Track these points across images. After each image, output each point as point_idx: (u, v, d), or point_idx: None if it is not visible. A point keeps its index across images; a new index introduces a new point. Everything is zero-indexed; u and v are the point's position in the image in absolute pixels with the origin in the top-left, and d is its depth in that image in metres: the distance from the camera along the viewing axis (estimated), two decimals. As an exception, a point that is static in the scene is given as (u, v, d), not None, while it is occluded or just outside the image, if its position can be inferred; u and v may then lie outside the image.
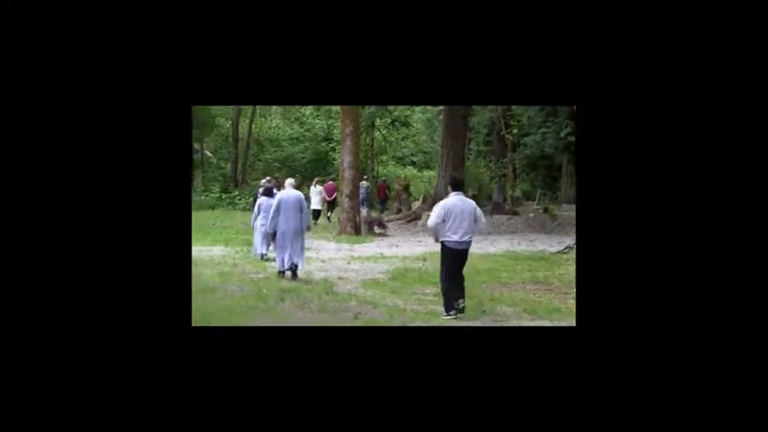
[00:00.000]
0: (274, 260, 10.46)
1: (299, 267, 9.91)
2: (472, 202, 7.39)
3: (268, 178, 16.65)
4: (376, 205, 23.91)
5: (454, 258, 7.23)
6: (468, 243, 7.26)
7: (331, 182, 22.26)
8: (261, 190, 13.36)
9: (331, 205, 21.31)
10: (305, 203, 10.21)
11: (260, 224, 11.49)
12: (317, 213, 19.89)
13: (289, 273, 9.84)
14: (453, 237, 7.12)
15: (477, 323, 7.13)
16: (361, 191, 20.48)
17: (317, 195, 20.19)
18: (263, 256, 11.74)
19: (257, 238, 11.87)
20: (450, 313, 7.19)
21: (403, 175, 29.56)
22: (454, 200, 7.25)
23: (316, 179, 21.81)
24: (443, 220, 7.10)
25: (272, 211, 9.94)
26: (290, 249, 9.72)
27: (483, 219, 7.41)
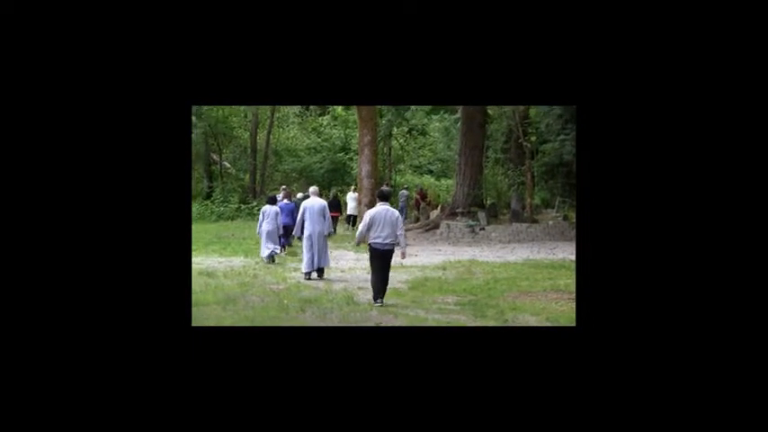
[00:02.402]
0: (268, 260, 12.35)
1: (325, 267, 10.98)
2: (395, 212, 8.59)
3: (284, 187, 17.08)
4: (410, 213, 24.17)
5: (377, 257, 8.45)
6: (391, 245, 8.45)
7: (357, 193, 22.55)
8: (280, 196, 15.06)
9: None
10: (328, 211, 11.09)
11: (264, 230, 12.58)
12: (352, 218, 20.47)
13: (315, 273, 10.74)
14: (377, 240, 8.36)
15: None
16: (401, 199, 22.46)
17: (352, 201, 20.73)
18: (272, 258, 12.57)
19: (263, 244, 12.80)
20: (378, 301, 8.45)
21: (422, 185, 29.57)
22: (379, 209, 8.49)
23: (353, 186, 22.67)
24: (370, 226, 8.32)
25: (299, 217, 10.97)
26: (317, 252, 10.67)
27: (402, 229, 8.54)
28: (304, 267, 10.77)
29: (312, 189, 11.62)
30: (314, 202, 10.91)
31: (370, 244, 8.47)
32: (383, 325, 7.42)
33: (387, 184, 24.15)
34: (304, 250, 10.85)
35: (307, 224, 10.72)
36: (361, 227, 8.63)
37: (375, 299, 8.55)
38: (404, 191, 24.03)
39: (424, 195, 25.25)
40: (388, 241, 8.41)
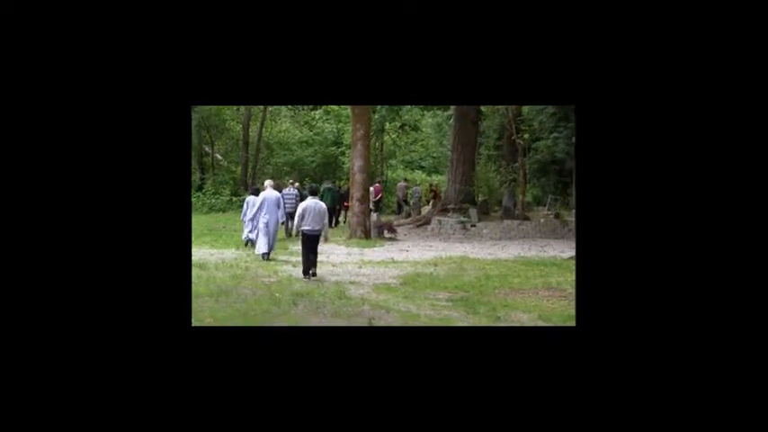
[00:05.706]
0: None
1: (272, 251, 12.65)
2: (323, 205, 10.60)
3: (291, 180, 17.38)
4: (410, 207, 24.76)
5: (307, 241, 10.33)
6: (318, 231, 10.36)
7: (377, 184, 22.76)
8: (285, 190, 16.07)
9: (376, 205, 21.60)
10: (281, 201, 12.95)
11: (248, 218, 13.89)
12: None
13: (265, 255, 12.23)
14: (307, 227, 10.27)
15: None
16: (415, 196, 24.17)
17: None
18: (248, 241, 13.80)
19: (245, 228, 14.20)
20: (305, 277, 10.20)
21: (415, 180, 29.73)
22: (310, 202, 10.39)
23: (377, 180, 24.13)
24: (302, 216, 10.23)
25: (256, 206, 12.73)
26: (271, 237, 12.36)
27: (326, 219, 10.73)
28: (261, 249, 12.26)
29: (268, 182, 13.35)
30: (271, 194, 12.62)
31: (302, 230, 10.31)
32: (374, 320, 7.43)
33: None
34: (260, 234, 12.42)
35: (263, 213, 12.37)
36: (296, 218, 10.44)
37: (305, 274, 10.27)
38: (416, 187, 25.38)
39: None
40: (316, 228, 10.31)
